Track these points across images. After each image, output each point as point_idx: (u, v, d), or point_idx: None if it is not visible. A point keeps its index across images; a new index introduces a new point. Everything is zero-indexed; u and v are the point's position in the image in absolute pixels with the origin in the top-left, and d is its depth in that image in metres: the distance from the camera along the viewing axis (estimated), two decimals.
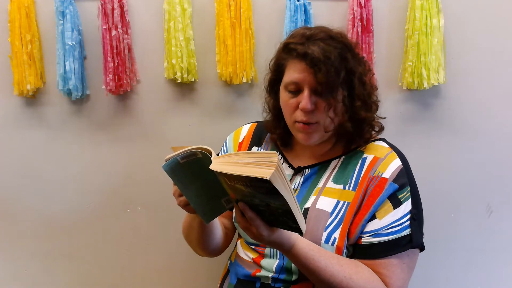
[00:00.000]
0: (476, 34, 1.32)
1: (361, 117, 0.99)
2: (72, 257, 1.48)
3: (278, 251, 1.02)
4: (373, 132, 1.05)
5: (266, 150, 1.13)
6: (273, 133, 1.10)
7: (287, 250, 0.89)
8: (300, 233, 0.84)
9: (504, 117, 1.36)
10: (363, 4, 1.28)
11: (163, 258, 1.48)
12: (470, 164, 1.38)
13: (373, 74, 1.06)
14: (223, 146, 1.20)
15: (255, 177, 0.72)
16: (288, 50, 0.99)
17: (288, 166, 1.08)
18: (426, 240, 1.01)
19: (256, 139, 1.15)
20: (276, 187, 0.73)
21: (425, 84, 1.28)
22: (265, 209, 0.81)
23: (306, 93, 0.95)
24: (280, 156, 1.10)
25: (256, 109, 1.38)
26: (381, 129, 1.06)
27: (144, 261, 1.48)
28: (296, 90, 0.98)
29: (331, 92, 0.94)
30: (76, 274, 1.50)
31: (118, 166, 1.43)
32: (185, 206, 0.93)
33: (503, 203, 1.39)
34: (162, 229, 1.46)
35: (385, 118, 1.07)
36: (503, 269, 1.43)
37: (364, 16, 1.29)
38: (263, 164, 0.74)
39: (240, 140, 1.16)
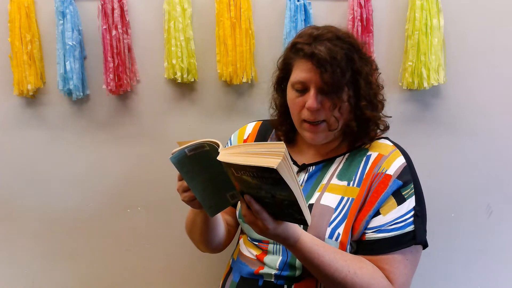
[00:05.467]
0: (476, 34, 1.32)
1: (366, 116, 1.00)
2: (72, 257, 1.48)
3: (281, 247, 1.03)
4: (378, 131, 1.06)
5: None
6: (279, 130, 1.12)
7: (292, 244, 0.89)
8: (306, 224, 0.84)
9: (504, 117, 1.36)
10: (363, 4, 1.28)
11: (163, 258, 1.48)
12: (470, 164, 1.38)
13: (380, 73, 1.07)
14: (227, 143, 1.20)
15: (262, 167, 0.73)
16: (296, 50, 1.00)
17: (293, 163, 1.09)
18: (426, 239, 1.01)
19: (261, 137, 1.16)
20: (283, 176, 0.74)
21: (425, 84, 1.28)
22: (270, 201, 0.81)
23: (312, 92, 0.97)
24: None
25: (256, 109, 1.38)
26: (386, 127, 1.07)
27: (144, 261, 1.48)
28: (302, 89, 0.99)
29: (337, 92, 0.96)
30: (76, 274, 1.49)
31: (118, 166, 1.43)
32: (190, 201, 0.93)
33: (503, 203, 1.39)
34: (162, 229, 1.46)
35: (391, 117, 1.07)
36: (503, 269, 1.43)
37: (364, 16, 1.29)
38: (270, 154, 0.75)
39: (245, 137, 1.18)
